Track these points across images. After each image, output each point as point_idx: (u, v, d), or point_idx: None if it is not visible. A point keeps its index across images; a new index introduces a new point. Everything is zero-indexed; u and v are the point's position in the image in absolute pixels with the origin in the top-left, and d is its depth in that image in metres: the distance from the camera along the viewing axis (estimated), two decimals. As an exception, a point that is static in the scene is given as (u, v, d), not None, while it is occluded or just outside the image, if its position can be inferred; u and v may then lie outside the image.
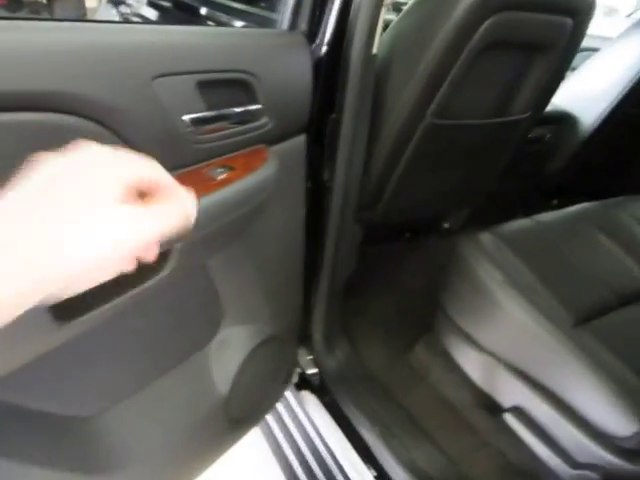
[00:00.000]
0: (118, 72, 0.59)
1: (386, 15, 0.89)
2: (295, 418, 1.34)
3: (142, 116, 0.62)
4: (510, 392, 1.08)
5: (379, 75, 0.99)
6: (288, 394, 1.42)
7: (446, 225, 1.64)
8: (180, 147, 0.68)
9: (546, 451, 1.00)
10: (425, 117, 1.06)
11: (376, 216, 1.28)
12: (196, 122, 0.69)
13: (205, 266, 0.83)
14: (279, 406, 1.41)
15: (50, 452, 0.70)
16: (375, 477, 1.14)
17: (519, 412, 1.05)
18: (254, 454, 1.32)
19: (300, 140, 0.88)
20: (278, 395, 1.17)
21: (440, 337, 1.24)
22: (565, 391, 0.97)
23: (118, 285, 0.61)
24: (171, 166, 0.68)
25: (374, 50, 0.91)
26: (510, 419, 1.06)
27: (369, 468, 1.16)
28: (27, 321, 0.53)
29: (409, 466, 1.11)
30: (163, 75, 0.62)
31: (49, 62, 0.53)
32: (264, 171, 0.79)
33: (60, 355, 0.68)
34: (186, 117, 0.67)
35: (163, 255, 0.65)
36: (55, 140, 0.53)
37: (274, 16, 0.89)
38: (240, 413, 0.99)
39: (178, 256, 0.67)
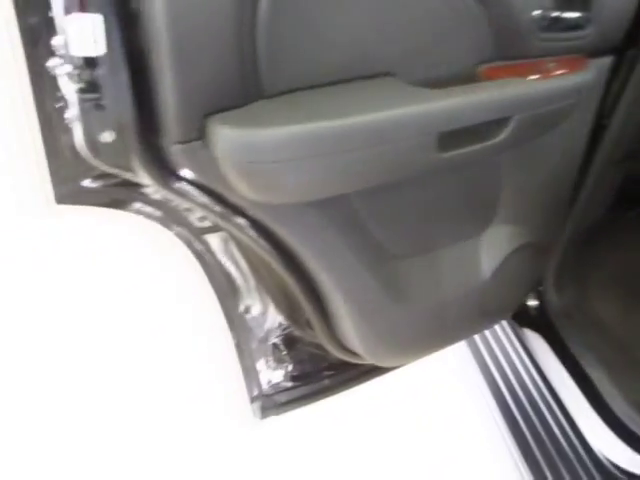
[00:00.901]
0: None
1: None
2: (513, 351, 1.42)
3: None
4: None
5: None
6: (500, 329, 1.50)
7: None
8: (526, 39, 0.83)
9: None
10: None
11: (637, 169, 1.28)
12: (541, 19, 0.82)
13: (500, 161, 0.96)
14: (491, 340, 1.50)
15: (368, 275, 0.91)
16: (598, 415, 1.17)
17: None
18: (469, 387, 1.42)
19: (607, 61, 0.96)
20: (520, 300, 1.27)
21: None
22: None
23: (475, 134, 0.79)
24: (517, 54, 0.84)
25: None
26: None
27: (593, 405, 1.19)
28: (419, 140, 0.73)
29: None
30: None
31: None
32: (580, 77, 0.89)
33: (405, 199, 0.88)
34: (536, 12, 0.82)
35: (503, 121, 0.81)
36: None
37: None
38: (489, 305, 1.11)
39: (513, 126, 0.81)
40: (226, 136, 0.62)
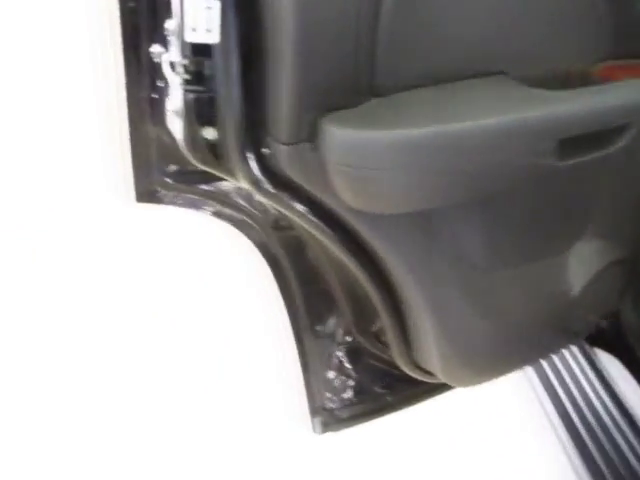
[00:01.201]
0: None
1: None
2: (580, 371, 1.33)
3: None
4: None
5: None
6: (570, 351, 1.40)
7: None
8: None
9: None
10: None
11: None
12: None
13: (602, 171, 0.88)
14: (557, 360, 1.41)
15: (457, 290, 0.85)
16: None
17: None
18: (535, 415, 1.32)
19: None
20: (601, 318, 1.19)
21: None
22: None
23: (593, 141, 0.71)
24: (634, 53, 0.77)
25: None
26: None
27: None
28: (539, 147, 0.66)
29: None
30: None
31: None
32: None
33: (499, 211, 0.81)
34: None
35: (624, 127, 0.73)
36: None
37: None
38: (573, 323, 1.04)
39: (634, 133, 0.73)
40: (341, 138, 0.56)
